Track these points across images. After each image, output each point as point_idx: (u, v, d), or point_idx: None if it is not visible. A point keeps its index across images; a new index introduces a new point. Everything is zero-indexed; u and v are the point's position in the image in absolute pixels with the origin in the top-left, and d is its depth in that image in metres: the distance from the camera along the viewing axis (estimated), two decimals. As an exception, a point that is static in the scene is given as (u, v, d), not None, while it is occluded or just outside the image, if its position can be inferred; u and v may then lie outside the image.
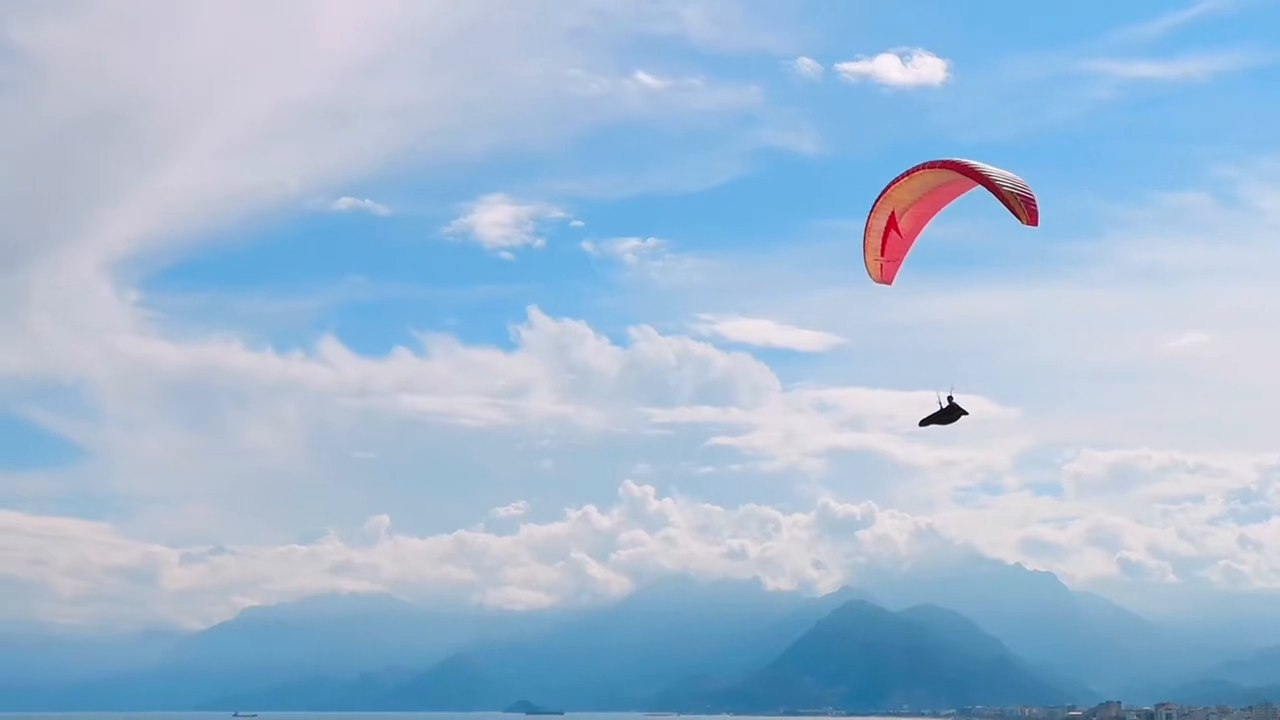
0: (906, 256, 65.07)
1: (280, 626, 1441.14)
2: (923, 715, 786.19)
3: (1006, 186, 58.29)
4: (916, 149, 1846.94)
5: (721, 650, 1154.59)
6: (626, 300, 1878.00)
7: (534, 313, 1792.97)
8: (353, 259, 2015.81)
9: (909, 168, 61.71)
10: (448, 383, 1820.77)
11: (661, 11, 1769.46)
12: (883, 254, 63.84)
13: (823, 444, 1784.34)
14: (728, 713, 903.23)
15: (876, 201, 62.13)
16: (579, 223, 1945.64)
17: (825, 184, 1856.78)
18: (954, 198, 63.16)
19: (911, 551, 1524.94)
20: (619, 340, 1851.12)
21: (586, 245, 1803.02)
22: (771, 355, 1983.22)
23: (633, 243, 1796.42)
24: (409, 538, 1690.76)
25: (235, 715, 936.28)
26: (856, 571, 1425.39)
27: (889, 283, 65.17)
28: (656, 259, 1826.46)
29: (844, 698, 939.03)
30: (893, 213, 62.45)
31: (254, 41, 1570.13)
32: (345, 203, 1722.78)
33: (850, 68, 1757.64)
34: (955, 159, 60.41)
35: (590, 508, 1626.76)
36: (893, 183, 61.62)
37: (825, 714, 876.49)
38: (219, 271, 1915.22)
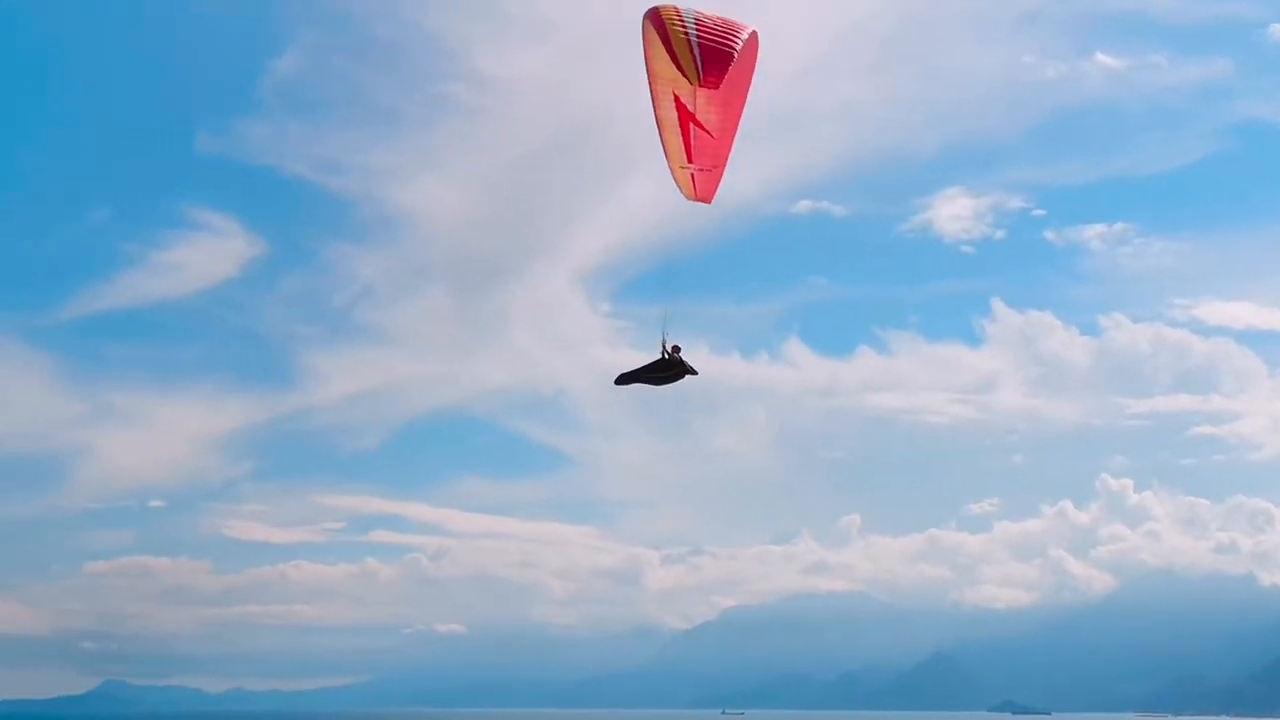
0: (729, 161, 48.70)
1: (761, 626, 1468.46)
2: None
3: (680, 28, 43.40)
4: None
5: (1215, 649, 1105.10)
6: (1094, 288, 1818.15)
7: (997, 305, 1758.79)
8: (813, 260, 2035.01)
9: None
10: (913, 379, 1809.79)
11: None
12: (690, 159, 47.33)
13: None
14: (1229, 715, 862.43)
15: (650, 83, 45.47)
16: (1040, 211, 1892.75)
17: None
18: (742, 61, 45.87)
19: None
20: (1089, 330, 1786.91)
21: (1049, 234, 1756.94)
22: (1255, 339, 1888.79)
23: (1098, 229, 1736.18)
24: (881, 536, 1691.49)
25: (724, 713, 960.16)
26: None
27: (708, 200, 49.73)
28: (1124, 244, 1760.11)
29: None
30: (676, 98, 45.58)
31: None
32: (803, 205, 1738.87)
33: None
34: None
35: (1066, 503, 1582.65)
36: (645, 48, 45.07)
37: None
38: (683, 279, 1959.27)
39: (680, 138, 46.21)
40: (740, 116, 46.72)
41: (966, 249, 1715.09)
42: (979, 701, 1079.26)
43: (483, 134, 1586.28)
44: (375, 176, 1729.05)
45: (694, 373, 51.15)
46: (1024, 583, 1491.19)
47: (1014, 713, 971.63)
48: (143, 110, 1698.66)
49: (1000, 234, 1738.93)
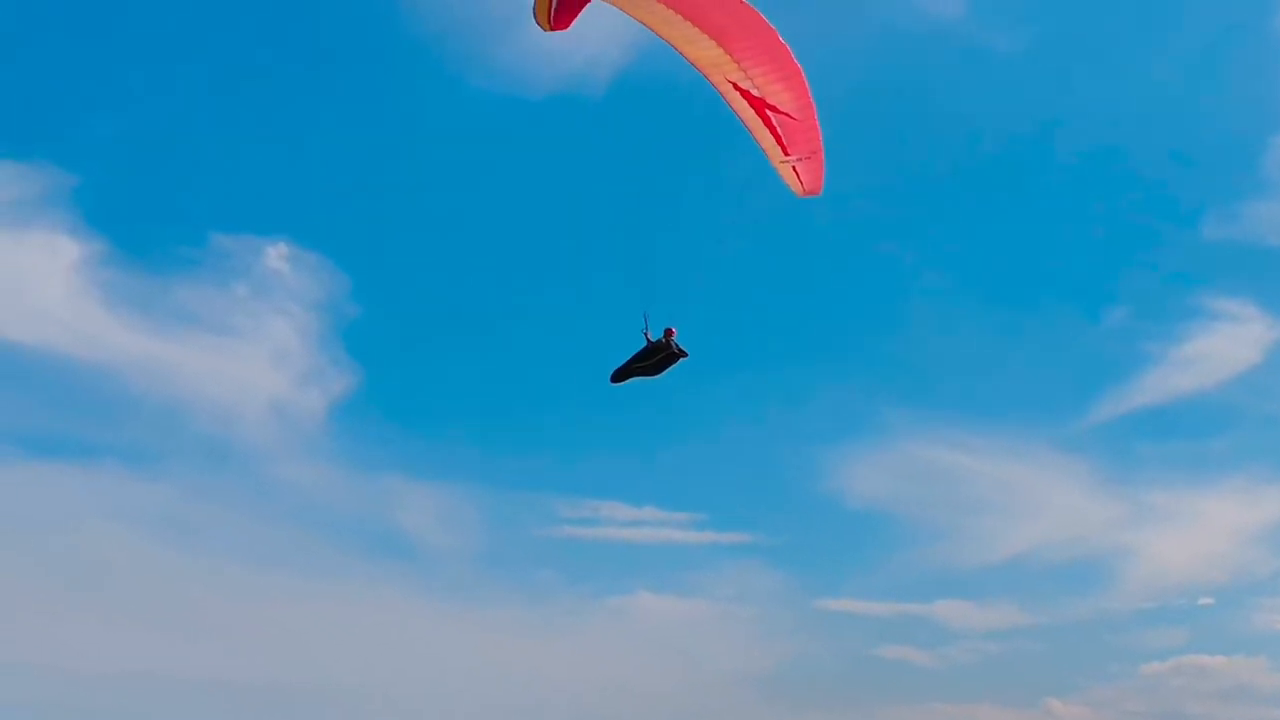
0: (820, 138, 40.43)
1: None
2: None
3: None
4: None
5: None
6: None
7: None
8: None
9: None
10: None
11: None
12: (786, 152, 40.28)
13: None
14: None
15: (707, 76, 38.15)
16: None
17: None
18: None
19: None
20: None
21: None
22: None
23: None
24: None
25: None
26: None
27: (817, 191, 41.72)
28: None
29: None
30: (733, 84, 38.38)
31: None
32: None
33: None
34: None
35: None
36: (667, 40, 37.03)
37: None
38: None
39: (768, 131, 39.64)
40: (805, 81, 38.73)
41: None
42: None
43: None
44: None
45: (685, 355, 45.44)
46: None
47: None
48: (1145, 206, 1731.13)
49: None
